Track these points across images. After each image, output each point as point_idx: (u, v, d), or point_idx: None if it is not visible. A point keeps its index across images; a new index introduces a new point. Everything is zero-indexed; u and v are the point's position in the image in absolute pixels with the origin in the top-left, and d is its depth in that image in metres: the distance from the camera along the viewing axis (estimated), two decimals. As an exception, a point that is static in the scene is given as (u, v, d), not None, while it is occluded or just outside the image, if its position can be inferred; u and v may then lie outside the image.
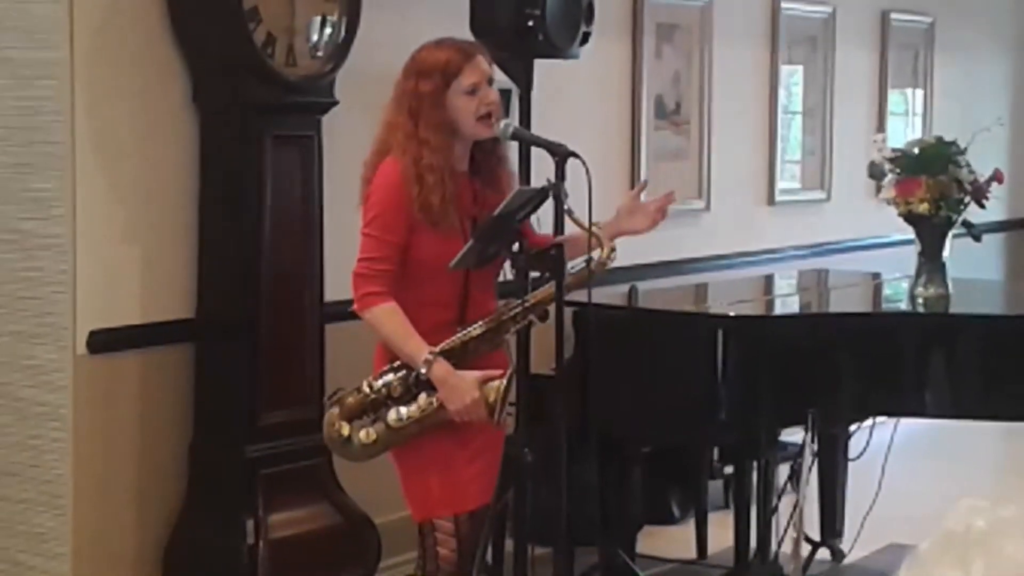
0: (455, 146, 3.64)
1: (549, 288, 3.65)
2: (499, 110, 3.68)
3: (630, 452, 4.82)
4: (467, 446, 3.64)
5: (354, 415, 3.60)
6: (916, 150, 4.98)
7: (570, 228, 3.61)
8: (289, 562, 4.46)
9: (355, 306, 3.60)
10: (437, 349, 3.55)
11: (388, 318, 3.56)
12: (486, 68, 3.67)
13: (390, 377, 3.59)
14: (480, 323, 3.63)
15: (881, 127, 7.62)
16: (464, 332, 3.61)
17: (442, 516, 3.65)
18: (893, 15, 7.79)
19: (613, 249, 3.70)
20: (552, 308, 3.64)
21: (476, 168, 3.71)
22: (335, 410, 3.61)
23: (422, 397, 3.56)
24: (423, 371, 3.54)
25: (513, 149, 4.68)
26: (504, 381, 3.55)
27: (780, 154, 7.12)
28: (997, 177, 4.94)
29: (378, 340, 3.68)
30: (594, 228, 3.63)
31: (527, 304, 3.64)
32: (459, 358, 3.59)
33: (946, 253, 4.97)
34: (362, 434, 3.59)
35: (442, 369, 3.54)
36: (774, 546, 4.83)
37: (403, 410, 3.57)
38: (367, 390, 3.59)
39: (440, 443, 3.62)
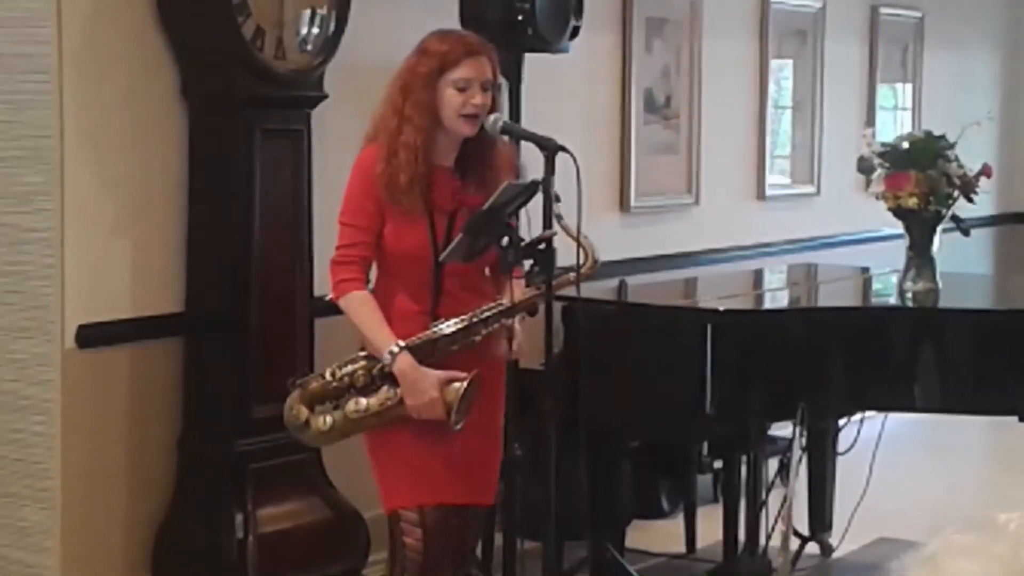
0: (438, 135, 3.63)
1: (529, 293, 3.64)
2: (484, 115, 3.65)
3: (619, 446, 4.82)
4: (433, 437, 3.61)
5: (316, 400, 3.61)
6: (905, 144, 4.99)
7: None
8: (278, 556, 4.45)
9: (331, 294, 3.64)
10: (404, 343, 3.55)
11: (360, 305, 3.59)
12: (484, 70, 3.64)
13: (355, 366, 3.60)
14: (453, 321, 3.61)
15: (870, 121, 7.62)
16: (435, 329, 3.59)
17: (406, 506, 3.65)
18: (883, 9, 7.79)
19: (596, 261, 3.67)
20: (540, 302, 3.63)
21: (463, 167, 3.70)
22: (296, 393, 3.62)
23: (383, 390, 3.57)
24: (387, 363, 3.55)
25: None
26: (465, 384, 3.54)
27: (770, 148, 7.12)
28: (986, 171, 4.95)
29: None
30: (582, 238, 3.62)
31: (502, 308, 3.63)
32: (427, 355, 3.57)
33: (935, 247, 4.97)
34: (319, 420, 3.60)
35: (405, 363, 3.54)
36: (763, 540, 4.83)
37: (363, 401, 3.58)
38: (329, 377, 3.60)
39: (405, 434, 3.62)
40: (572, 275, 3.68)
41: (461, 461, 3.67)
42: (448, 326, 3.60)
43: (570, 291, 3.78)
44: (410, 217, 3.60)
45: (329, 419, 3.59)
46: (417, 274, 3.62)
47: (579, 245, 3.62)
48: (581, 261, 3.65)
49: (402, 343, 3.55)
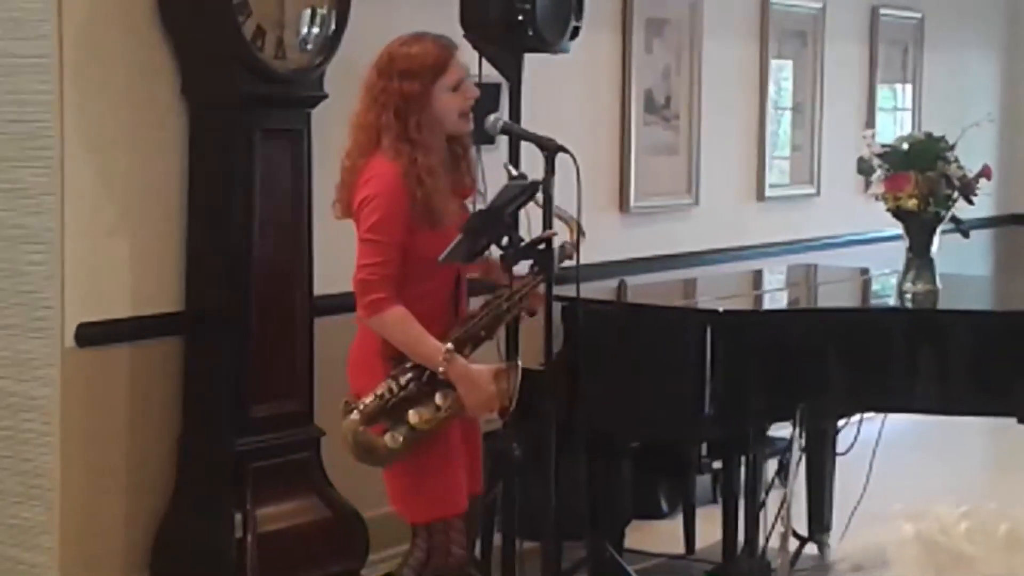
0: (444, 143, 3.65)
1: (529, 278, 3.64)
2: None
3: (618, 447, 4.82)
4: (460, 434, 3.65)
5: (373, 421, 3.53)
6: (905, 146, 4.99)
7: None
8: (277, 556, 4.45)
9: (361, 313, 3.56)
10: (452, 345, 3.54)
11: (400, 322, 3.52)
12: (464, 62, 3.71)
13: (406, 379, 3.53)
14: (480, 317, 3.61)
15: (870, 123, 7.62)
16: (471, 325, 3.61)
17: (457, 513, 3.65)
18: (882, 10, 7.79)
19: (582, 233, 3.67)
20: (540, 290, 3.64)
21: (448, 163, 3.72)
22: (356, 416, 3.51)
23: (438, 396, 3.53)
24: (441, 370, 3.51)
25: (503, 144, 4.70)
26: (519, 373, 3.55)
27: (769, 149, 7.12)
28: (986, 173, 4.95)
29: (361, 344, 3.66)
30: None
31: (520, 294, 3.63)
32: (462, 348, 3.59)
33: (934, 249, 4.97)
34: (387, 438, 3.51)
35: (460, 365, 3.53)
36: (762, 541, 4.83)
37: (424, 411, 3.52)
38: (387, 394, 3.52)
39: (443, 437, 3.60)
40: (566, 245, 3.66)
41: (471, 452, 3.73)
42: (479, 321, 3.60)
43: (571, 291, 3.78)
44: (442, 225, 3.59)
45: (398, 436, 3.51)
46: (446, 275, 3.62)
47: (579, 234, 3.64)
48: (568, 238, 3.65)
49: (450, 345, 3.53)
